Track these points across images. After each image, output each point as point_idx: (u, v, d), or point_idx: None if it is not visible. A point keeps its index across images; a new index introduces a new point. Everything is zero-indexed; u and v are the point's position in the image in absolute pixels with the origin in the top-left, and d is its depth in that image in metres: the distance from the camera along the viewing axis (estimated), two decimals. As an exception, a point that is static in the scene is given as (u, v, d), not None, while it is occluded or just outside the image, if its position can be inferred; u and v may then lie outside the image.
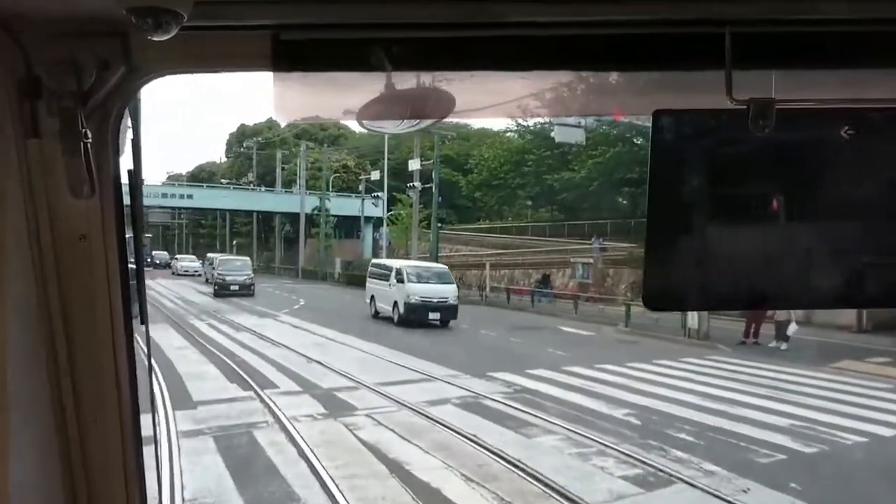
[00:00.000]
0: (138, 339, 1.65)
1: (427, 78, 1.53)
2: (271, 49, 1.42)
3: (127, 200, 1.59)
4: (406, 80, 1.50)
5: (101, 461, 1.61)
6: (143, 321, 1.71)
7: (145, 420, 1.71)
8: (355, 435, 12.24)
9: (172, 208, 76.97)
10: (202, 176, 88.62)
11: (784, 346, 22.76)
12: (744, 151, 1.43)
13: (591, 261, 40.78)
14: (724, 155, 1.45)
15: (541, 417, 13.46)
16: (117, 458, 1.62)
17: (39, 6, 1.35)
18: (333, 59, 1.45)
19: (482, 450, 11.34)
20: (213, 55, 1.49)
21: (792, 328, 22.81)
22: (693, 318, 25.89)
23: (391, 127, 1.76)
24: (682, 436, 12.56)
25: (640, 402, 15.20)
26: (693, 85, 1.54)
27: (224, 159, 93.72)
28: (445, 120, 1.63)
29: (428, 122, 1.68)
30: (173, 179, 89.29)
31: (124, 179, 1.57)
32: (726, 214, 1.47)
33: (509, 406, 14.46)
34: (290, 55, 1.42)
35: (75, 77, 1.39)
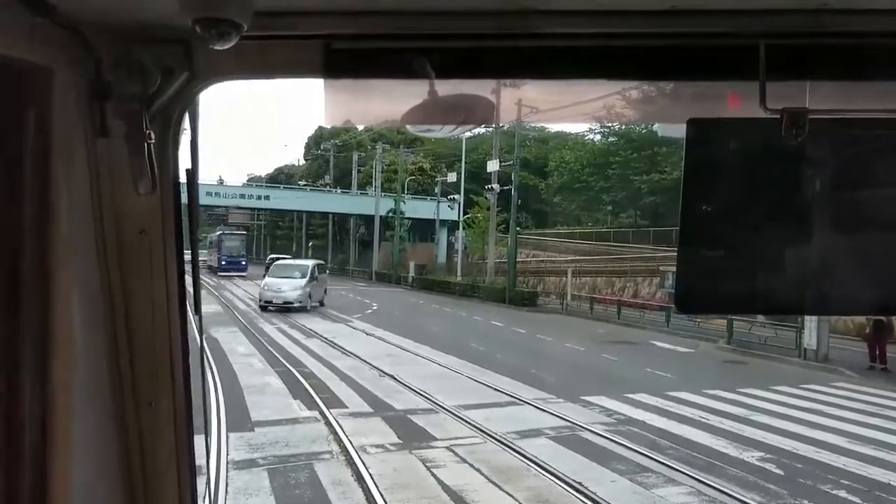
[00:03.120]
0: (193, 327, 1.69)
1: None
2: (322, 57, 1.50)
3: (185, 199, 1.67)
4: (452, 87, 1.55)
5: (155, 442, 1.67)
6: (197, 311, 1.75)
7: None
8: (434, 475, 10.23)
9: (251, 209, 77.41)
10: (280, 178, 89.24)
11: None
12: (776, 160, 1.43)
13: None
14: (756, 163, 1.46)
15: (656, 460, 11.09)
16: (170, 440, 1.68)
17: (110, 15, 1.42)
18: (381, 67, 1.53)
19: (591, 504, 9.12)
20: (268, 63, 1.57)
21: None
22: (811, 337, 22.86)
23: (434, 131, 1.88)
24: (844, 494, 9.98)
25: (771, 441, 12.61)
26: (728, 95, 1.60)
27: (302, 162, 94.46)
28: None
29: (468, 126, 1.73)
30: (253, 181, 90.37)
31: (182, 178, 1.64)
32: (757, 221, 1.47)
33: (615, 442, 12.15)
34: (341, 63, 1.50)
35: (141, 81, 1.49)
